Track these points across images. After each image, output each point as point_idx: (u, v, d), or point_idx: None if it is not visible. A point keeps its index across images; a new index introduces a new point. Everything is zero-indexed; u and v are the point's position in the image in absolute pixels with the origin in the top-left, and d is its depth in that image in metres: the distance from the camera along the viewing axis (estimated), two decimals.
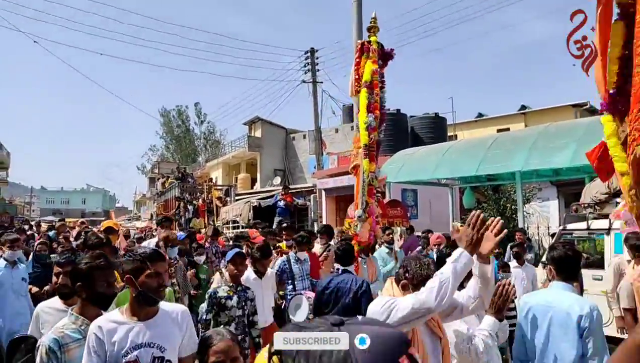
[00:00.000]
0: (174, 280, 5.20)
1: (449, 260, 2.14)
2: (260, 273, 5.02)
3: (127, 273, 2.33)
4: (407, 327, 2.11)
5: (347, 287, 4.07)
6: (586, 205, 6.57)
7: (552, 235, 8.59)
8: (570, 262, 2.88)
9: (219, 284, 4.94)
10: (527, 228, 13.14)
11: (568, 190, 14.77)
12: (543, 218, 16.65)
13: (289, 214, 14.27)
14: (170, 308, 2.53)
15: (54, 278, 3.25)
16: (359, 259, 5.57)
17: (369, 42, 5.75)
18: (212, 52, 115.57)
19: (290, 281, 6.11)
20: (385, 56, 5.86)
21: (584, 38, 3.46)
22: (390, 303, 2.13)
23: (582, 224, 6.55)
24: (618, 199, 5.40)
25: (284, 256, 6.40)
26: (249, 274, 4.86)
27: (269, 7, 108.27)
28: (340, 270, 4.38)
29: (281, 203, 14.52)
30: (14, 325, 4.80)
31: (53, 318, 2.80)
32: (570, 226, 6.89)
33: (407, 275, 2.42)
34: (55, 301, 3.09)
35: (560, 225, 8.37)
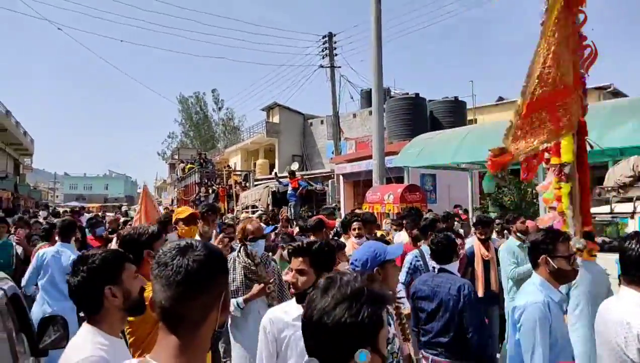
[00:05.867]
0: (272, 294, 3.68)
1: None
2: None
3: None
4: None
5: (447, 293, 3.45)
6: (610, 188, 6.44)
7: None
8: None
9: None
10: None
11: (590, 174, 14.50)
12: None
13: (298, 199, 14.26)
14: None
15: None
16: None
17: None
18: (230, 37, 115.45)
19: None
20: None
21: (584, 38, 3.38)
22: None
23: (606, 208, 6.44)
24: None
25: (415, 250, 5.02)
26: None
27: None
28: (437, 270, 3.72)
29: (289, 189, 14.57)
30: None
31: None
32: (593, 209, 6.79)
33: None
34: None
35: None
